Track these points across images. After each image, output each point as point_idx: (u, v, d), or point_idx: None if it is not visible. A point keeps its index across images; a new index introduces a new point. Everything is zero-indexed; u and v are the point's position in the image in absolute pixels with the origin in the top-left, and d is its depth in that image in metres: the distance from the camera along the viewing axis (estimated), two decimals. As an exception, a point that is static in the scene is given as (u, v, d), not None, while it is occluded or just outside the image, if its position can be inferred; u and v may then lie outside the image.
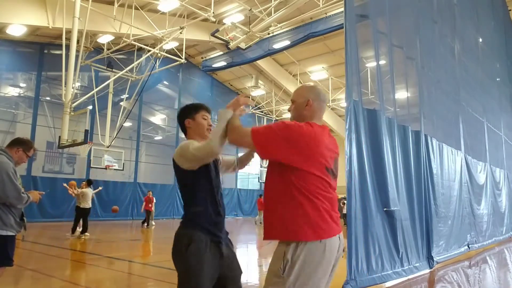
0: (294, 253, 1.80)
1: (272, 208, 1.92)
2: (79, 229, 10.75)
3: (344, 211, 16.69)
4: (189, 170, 2.12)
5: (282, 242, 1.86)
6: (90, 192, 10.84)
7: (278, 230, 1.87)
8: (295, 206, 1.84)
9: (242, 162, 2.51)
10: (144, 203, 15.38)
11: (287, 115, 24.14)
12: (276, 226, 1.88)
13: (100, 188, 12.97)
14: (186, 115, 2.34)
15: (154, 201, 15.53)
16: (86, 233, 10.58)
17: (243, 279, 5.98)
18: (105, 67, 16.29)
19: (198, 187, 2.17)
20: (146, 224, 14.94)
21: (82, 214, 10.58)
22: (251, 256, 8.92)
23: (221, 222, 2.23)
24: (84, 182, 11.24)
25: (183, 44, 15.37)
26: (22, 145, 3.39)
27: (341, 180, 5.41)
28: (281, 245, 1.86)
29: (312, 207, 1.84)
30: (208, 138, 2.06)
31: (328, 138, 1.97)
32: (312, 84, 2.20)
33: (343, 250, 2.02)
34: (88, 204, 10.62)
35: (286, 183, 1.87)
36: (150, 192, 15.60)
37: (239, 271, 2.31)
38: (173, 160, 2.19)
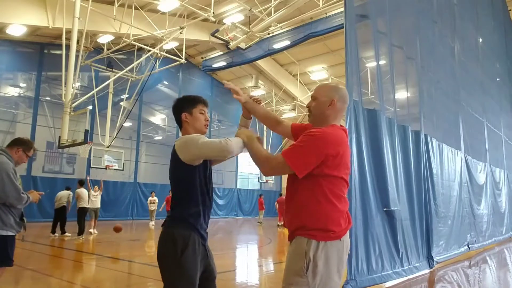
0: (316, 252, 1.81)
1: (298, 210, 1.92)
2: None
3: None
4: (188, 165, 2.06)
5: (301, 241, 1.86)
6: (84, 192, 11.09)
7: (305, 230, 1.87)
8: (321, 208, 1.87)
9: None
10: (165, 203, 14.77)
11: (287, 115, 24.19)
12: (303, 226, 1.88)
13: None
14: (183, 108, 2.23)
15: None
16: (67, 233, 10.92)
17: (243, 279, 5.99)
18: (105, 67, 16.29)
19: (194, 185, 2.09)
20: None
21: (79, 214, 10.77)
22: (251, 256, 8.92)
23: (207, 223, 2.19)
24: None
25: (183, 44, 15.37)
26: (22, 145, 3.40)
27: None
28: (300, 243, 1.86)
29: (336, 209, 1.89)
30: (227, 139, 2.00)
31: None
32: (336, 83, 2.16)
33: None
34: (81, 204, 10.90)
35: (313, 188, 1.88)
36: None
37: (215, 273, 2.25)
38: (174, 151, 2.11)
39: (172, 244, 2.00)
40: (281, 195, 19.25)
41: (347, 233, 1.95)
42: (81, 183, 11.37)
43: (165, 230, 2.08)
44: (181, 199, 2.11)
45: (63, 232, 10.94)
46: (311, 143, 1.86)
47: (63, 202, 10.87)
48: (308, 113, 2.07)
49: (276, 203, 18.96)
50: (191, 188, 2.09)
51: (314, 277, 1.78)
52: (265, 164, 1.95)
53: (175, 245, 1.99)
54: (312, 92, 2.12)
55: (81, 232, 10.44)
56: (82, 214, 10.81)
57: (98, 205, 11.76)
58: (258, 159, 1.97)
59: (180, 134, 2.30)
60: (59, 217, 10.93)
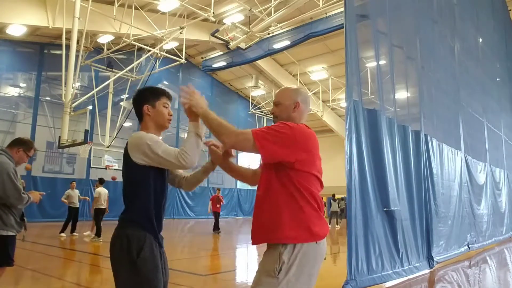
0: (291, 254, 1.78)
1: (268, 210, 1.87)
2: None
3: (334, 208, 16.83)
4: (140, 165, 1.89)
5: (276, 243, 1.83)
6: (104, 191, 10.67)
7: (275, 233, 1.82)
8: (295, 208, 1.83)
9: (190, 183, 2.22)
10: (210, 204, 13.36)
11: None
12: (273, 229, 1.83)
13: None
14: (145, 100, 2.05)
15: (223, 202, 13.67)
16: (75, 233, 10.82)
17: (243, 279, 5.98)
18: (105, 67, 16.28)
19: (147, 186, 1.91)
20: (217, 230, 12.82)
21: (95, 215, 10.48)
22: (251, 256, 8.92)
23: (161, 224, 2.01)
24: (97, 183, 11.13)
25: (183, 44, 15.36)
26: (22, 145, 3.40)
27: (341, 180, 5.42)
28: (276, 245, 1.82)
29: (312, 208, 1.85)
30: (183, 150, 1.83)
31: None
32: (295, 86, 2.20)
33: None
34: (99, 205, 10.44)
35: (285, 185, 1.85)
36: (219, 190, 14.03)
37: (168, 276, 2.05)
38: (126, 149, 1.94)
39: (127, 246, 1.81)
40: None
41: (324, 240, 1.89)
42: (101, 181, 10.84)
43: (119, 231, 1.89)
44: (134, 199, 1.92)
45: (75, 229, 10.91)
46: (286, 130, 1.85)
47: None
48: (274, 119, 2.07)
49: None
50: (144, 189, 1.91)
51: (284, 279, 1.75)
52: (231, 136, 1.86)
53: (129, 247, 1.81)
54: (274, 98, 2.12)
55: (99, 233, 10.04)
56: (100, 214, 10.34)
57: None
58: (224, 128, 1.87)
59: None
60: (74, 216, 10.89)
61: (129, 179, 1.94)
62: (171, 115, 2.12)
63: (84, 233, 11.12)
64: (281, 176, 1.87)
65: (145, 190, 1.90)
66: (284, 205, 1.84)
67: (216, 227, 12.82)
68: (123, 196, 1.96)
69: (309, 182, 1.87)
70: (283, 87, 2.21)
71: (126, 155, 1.93)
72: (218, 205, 12.95)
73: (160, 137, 2.06)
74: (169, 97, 2.13)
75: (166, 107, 2.09)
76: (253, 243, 1.93)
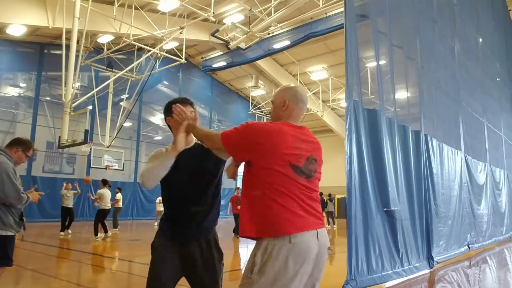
0: (264, 252, 1.77)
1: (244, 207, 1.92)
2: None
3: (330, 209, 16.67)
4: None
5: (256, 241, 1.85)
6: (107, 192, 10.88)
7: (249, 228, 1.85)
8: (262, 203, 1.83)
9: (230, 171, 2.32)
10: (230, 205, 12.34)
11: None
12: (247, 224, 1.87)
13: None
14: (167, 114, 2.23)
15: None
16: (98, 237, 10.45)
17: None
18: (105, 67, 16.29)
19: (166, 190, 2.22)
20: (238, 233, 11.52)
21: (101, 215, 10.56)
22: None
23: (189, 227, 2.16)
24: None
25: (183, 44, 15.36)
26: (21, 145, 3.39)
27: (341, 180, 5.42)
28: (255, 244, 1.85)
29: (279, 204, 1.80)
30: (142, 173, 2.08)
31: (299, 137, 1.92)
32: (291, 84, 2.18)
33: (329, 249, 1.93)
34: (103, 205, 10.64)
35: (254, 181, 1.88)
36: (239, 189, 12.60)
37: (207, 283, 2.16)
38: None
39: (155, 235, 2.25)
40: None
41: (304, 234, 1.79)
42: (105, 182, 11.06)
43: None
44: (163, 201, 2.31)
45: (68, 228, 11.35)
46: (243, 128, 1.92)
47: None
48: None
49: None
50: (164, 193, 2.23)
51: (260, 277, 1.73)
52: (208, 138, 2.06)
53: (153, 243, 2.22)
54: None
55: (106, 230, 10.39)
56: (103, 216, 10.47)
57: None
58: (203, 136, 2.09)
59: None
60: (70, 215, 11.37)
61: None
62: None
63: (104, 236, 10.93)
64: (249, 176, 1.92)
65: (164, 194, 2.24)
66: (254, 201, 1.87)
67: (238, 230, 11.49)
68: None
69: (274, 178, 1.83)
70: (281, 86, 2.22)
71: None
72: (238, 206, 11.48)
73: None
74: (188, 103, 2.21)
75: None
76: (239, 235, 2.05)
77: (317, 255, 1.83)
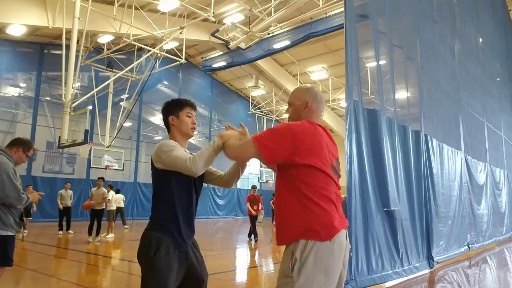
0: (303, 252, 1.78)
1: (282, 212, 1.93)
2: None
3: None
4: (161, 170, 2.08)
5: (291, 243, 1.86)
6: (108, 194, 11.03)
7: (289, 233, 1.86)
8: (303, 205, 1.85)
9: (224, 181, 2.34)
10: (248, 205, 10.89)
11: (287, 115, 24.10)
12: (284, 230, 1.89)
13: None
14: (170, 112, 2.25)
15: (262, 203, 11.81)
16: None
17: (243, 279, 5.99)
18: (105, 67, 16.28)
19: (169, 190, 2.08)
20: (254, 237, 10.80)
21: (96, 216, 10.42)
22: (251, 257, 8.92)
23: (188, 228, 2.14)
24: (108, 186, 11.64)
25: (183, 44, 15.35)
26: (21, 145, 3.39)
27: (341, 180, 5.40)
28: (289, 245, 1.86)
29: (319, 205, 1.84)
30: (194, 157, 1.97)
31: (328, 138, 2.00)
32: (308, 85, 2.23)
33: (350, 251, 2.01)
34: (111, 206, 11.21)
35: (293, 184, 1.88)
36: (255, 188, 11.54)
37: (204, 277, 2.22)
38: (151, 158, 2.16)
39: (147, 245, 2.04)
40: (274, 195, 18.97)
41: (341, 233, 1.87)
42: (111, 186, 11.72)
43: (144, 231, 2.11)
44: (157, 202, 2.13)
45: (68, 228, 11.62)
46: (285, 129, 1.89)
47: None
48: (288, 120, 2.13)
49: (271, 202, 18.75)
50: (165, 193, 2.09)
51: (298, 277, 1.75)
52: (233, 147, 1.98)
53: (149, 246, 2.03)
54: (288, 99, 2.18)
55: (98, 233, 10.24)
56: (100, 216, 10.33)
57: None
58: (228, 145, 2.00)
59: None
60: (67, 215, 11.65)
61: (154, 184, 2.15)
62: (194, 123, 2.27)
63: (107, 236, 10.85)
64: (285, 178, 1.92)
65: (167, 195, 2.08)
66: (290, 206, 1.88)
67: (254, 233, 10.77)
68: (152, 199, 2.17)
69: (315, 177, 1.87)
70: (296, 87, 2.24)
71: (151, 161, 2.14)
72: (255, 207, 10.73)
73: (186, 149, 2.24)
74: (192, 106, 2.27)
75: (189, 117, 2.25)
76: (277, 244, 1.99)
77: (345, 259, 1.96)
